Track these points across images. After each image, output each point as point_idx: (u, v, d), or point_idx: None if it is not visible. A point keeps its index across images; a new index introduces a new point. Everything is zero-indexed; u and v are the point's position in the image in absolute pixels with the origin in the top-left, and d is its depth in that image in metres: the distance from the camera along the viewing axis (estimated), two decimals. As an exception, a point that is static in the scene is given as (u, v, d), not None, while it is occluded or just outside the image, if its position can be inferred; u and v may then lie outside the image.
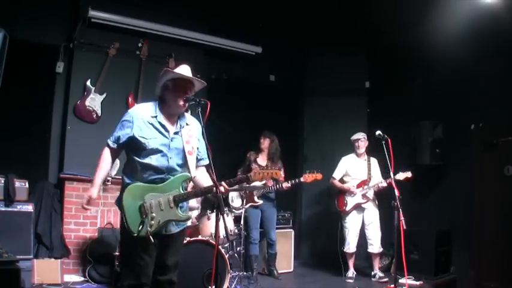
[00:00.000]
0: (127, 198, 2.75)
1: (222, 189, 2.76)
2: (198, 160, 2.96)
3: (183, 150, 2.85)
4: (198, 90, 2.95)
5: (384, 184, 5.30)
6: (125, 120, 2.82)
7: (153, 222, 2.70)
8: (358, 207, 5.59)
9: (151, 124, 2.80)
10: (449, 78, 5.74)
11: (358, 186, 5.59)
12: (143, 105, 2.91)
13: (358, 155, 5.72)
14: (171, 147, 2.81)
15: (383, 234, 5.61)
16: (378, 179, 5.53)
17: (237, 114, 6.36)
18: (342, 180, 5.76)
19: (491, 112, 5.29)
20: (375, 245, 5.53)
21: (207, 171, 2.87)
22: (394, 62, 6.55)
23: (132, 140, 2.78)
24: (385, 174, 5.39)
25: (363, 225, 5.61)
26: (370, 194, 5.56)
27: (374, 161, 5.71)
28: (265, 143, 5.54)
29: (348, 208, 5.59)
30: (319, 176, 5.18)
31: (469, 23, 5.11)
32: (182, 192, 2.79)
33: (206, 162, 2.95)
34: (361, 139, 5.67)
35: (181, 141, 2.85)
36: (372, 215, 5.56)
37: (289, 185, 5.29)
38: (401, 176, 5.11)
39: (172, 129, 2.85)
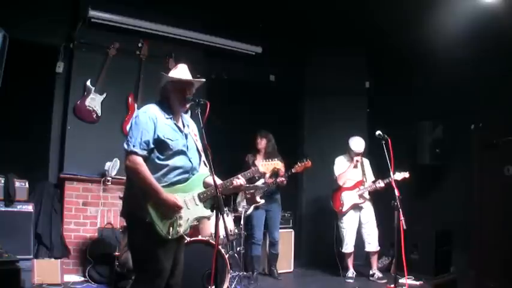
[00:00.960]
0: (150, 202, 2.66)
1: (241, 181, 2.88)
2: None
3: (197, 149, 2.89)
4: (198, 90, 2.96)
5: (382, 185, 5.29)
6: (147, 123, 2.69)
7: (181, 222, 2.72)
8: (355, 207, 5.58)
9: (169, 125, 2.77)
10: (449, 78, 5.73)
11: (354, 187, 5.57)
12: (153, 106, 2.81)
13: (350, 158, 5.67)
14: (188, 147, 2.82)
15: (383, 234, 5.60)
16: (370, 179, 5.55)
17: (237, 114, 6.35)
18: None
19: (491, 112, 5.29)
20: (372, 243, 5.52)
21: (210, 168, 2.79)
22: (394, 62, 6.54)
23: (157, 142, 2.70)
24: (382, 174, 5.38)
25: (359, 224, 5.60)
26: (366, 194, 5.56)
27: (366, 162, 5.70)
28: (262, 143, 5.52)
29: (344, 209, 5.56)
30: (308, 164, 5.20)
31: (469, 23, 5.10)
32: (204, 189, 2.83)
33: (203, 158, 2.98)
34: (362, 152, 5.59)
35: (193, 141, 2.88)
36: (368, 214, 5.56)
37: (283, 179, 5.29)
38: (398, 176, 5.10)
39: (184, 129, 2.86)
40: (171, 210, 2.67)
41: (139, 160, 2.65)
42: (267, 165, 3.04)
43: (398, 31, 5.93)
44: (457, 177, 5.76)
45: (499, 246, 5.02)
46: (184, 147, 2.80)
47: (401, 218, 3.78)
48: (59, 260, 4.68)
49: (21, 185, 4.61)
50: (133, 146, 2.65)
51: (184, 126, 2.88)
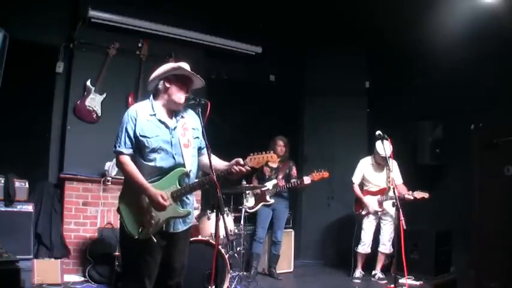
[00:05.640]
0: (123, 201, 2.75)
1: (246, 168, 2.71)
2: (202, 149, 2.90)
3: (180, 144, 2.79)
4: (198, 90, 2.94)
5: (410, 197, 5.09)
6: (128, 122, 2.73)
7: (152, 222, 2.66)
8: (375, 213, 5.51)
9: (151, 122, 2.75)
10: (449, 78, 5.73)
11: (377, 193, 5.48)
12: (140, 104, 2.85)
13: (376, 161, 5.54)
14: (173, 143, 2.75)
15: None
16: (398, 181, 5.38)
17: (237, 114, 6.36)
18: (361, 185, 5.65)
19: (491, 112, 5.29)
20: (386, 245, 5.48)
21: (210, 168, 2.70)
22: (394, 62, 6.55)
23: (136, 140, 2.72)
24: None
25: (378, 224, 5.56)
26: (388, 205, 5.33)
27: (395, 164, 5.44)
28: (283, 150, 5.55)
29: (364, 212, 5.53)
30: (326, 174, 5.28)
31: (470, 23, 5.10)
32: (179, 187, 2.73)
33: (205, 152, 2.85)
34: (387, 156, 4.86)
35: (180, 137, 2.78)
36: (388, 216, 5.49)
37: (309, 181, 5.30)
38: (418, 194, 5.08)
39: (172, 124, 2.79)
40: (155, 207, 2.65)
41: (126, 159, 2.73)
42: (257, 159, 2.74)
43: (398, 31, 5.93)
44: (457, 177, 5.76)
45: (499, 246, 5.02)
46: (167, 143, 2.73)
47: (402, 218, 3.77)
48: (59, 260, 4.67)
49: (21, 185, 4.60)
50: (119, 146, 2.74)
51: (173, 121, 2.80)
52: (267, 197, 5.46)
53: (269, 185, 5.46)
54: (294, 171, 5.66)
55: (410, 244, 5.29)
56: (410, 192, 5.14)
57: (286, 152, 5.59)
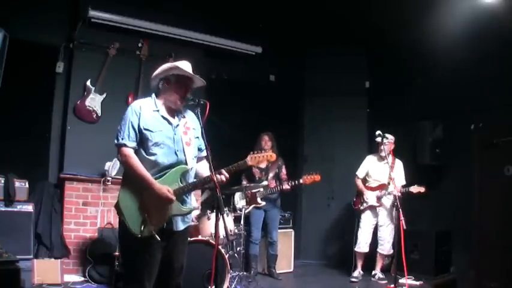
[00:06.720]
0: (124, 199, 2.73)
1: (223, 177, 2.72)
2: (202, 150, 2.92)
3: (190, 143, 2.81)
4: (198, 90, 2.95)
5: (399, 194, 4.90)
6: (132, 114, 2.73)
7: (155, 219, 2.65)
8: (373, 208, 5.52)
9: (155, 117, 2.76)
10: (449, 78, 5.74)
11: (376, 188, 5.49)
12: (143, 100, 2.85)
13: (380, 157, 5.53)
14: (175, 139, 2.76)
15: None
16: (400, 182, 5.38)
17: (237, 114, 6.36)
18: (364, 179, 5.66)
19: (491, 112, 5.29)
20: (384, 246, 5.48)
21: (210, 168, 2.72)
22: (394, 62, 6.55)
23: (140, 133, 2.71)
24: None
25: (376, 226, 5.55)
26: (386, 201, 5.40)
27: (398, 164, 5.52)
28: (268, 144, 5.48)
29: (362, 207, 5.54)
30: (317, 178, 5.18)
31: (470, 23, 5.10)
32: (181, 185, 2.74)
33: (204, 154, 2.89)
34: (385, 143, 5.01)
35: (182, 134, 2.80)
36: (384, 217, 5.49)
37: (288, 187, 5.32)
38: (414, 189, 5.10)
39: (174, 121, 2.81)
40: (162, 202, 2.65)
41: (129, 152, 2.70)
42: (257, 158, 2.81)
43: (398, 31, 5.93)
44: (457, 177, 5.76)
45: (499, 246, 5.02)
46: (169, 139, 2.74)
47: (402, 218, 3.78)
48: (59, 260, 4.67)
49: (21, 185, 4.60)
50: (122, 138, 2.71)
51: (175, 119, 2.82)
52: (258, 200, 5.37)
53: (260, 185, 5.35)
54: (284, 171, 5.59)
55: (410, 244, 5.29)
56: (402, 188, 5.17)
57: (272, 146, 5.44)
